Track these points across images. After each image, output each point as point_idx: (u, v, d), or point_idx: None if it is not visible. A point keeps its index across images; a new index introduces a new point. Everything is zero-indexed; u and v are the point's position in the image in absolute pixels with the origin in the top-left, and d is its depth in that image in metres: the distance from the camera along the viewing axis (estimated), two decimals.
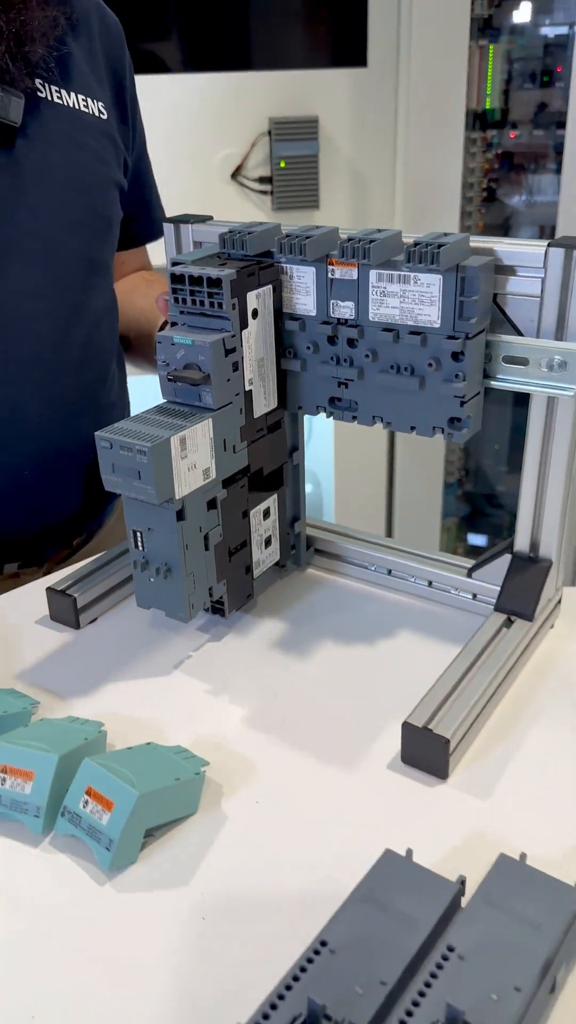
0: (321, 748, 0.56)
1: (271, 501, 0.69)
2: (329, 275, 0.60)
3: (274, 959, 0.41)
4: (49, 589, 0.69)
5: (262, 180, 2.00)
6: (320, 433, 2.04)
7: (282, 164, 1.96)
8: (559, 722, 0.57)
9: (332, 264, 0.59)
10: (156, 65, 1.90)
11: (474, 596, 0.69)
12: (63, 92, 0.76)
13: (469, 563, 0.70)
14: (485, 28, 1.80)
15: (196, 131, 1.93)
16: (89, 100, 0.79)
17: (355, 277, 0.59)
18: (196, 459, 0.59)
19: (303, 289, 0.62)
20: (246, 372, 0.61)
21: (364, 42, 1.95)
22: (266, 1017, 0.36)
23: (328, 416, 0.65)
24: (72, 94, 0.77)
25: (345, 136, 2.02)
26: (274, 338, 0.63)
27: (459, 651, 0.59)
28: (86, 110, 0.78)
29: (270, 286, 0.61)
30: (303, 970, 0.38)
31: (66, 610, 0.69)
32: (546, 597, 0.64)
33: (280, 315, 0.63)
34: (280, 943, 0.43)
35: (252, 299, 0.60)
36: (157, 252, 2.10)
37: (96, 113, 0.80)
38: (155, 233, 0.99)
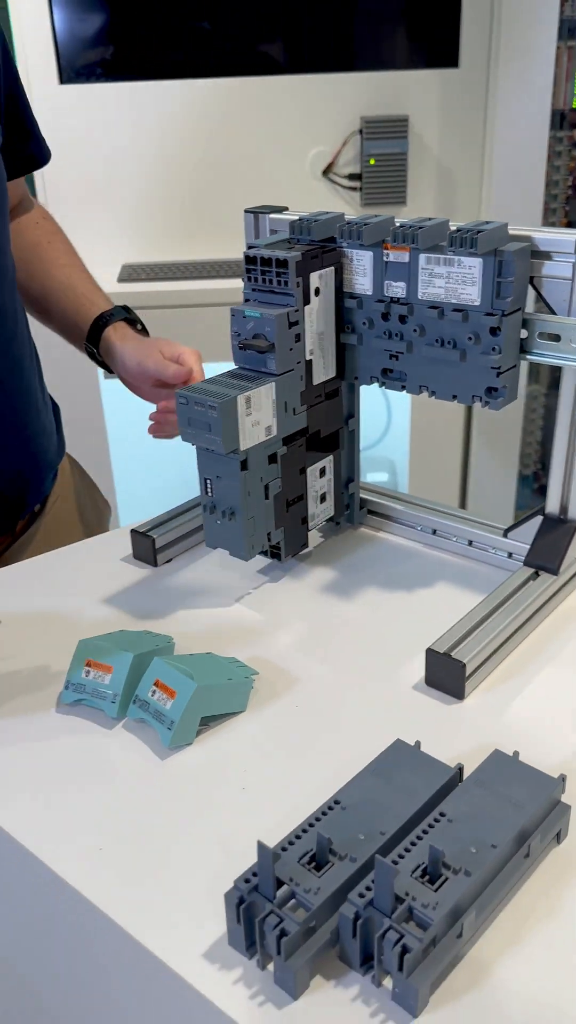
0: (355, 669, 0.64)
1: (327, 461, 0.77)
2: (384, 258, 0.68)
3: (293, 824, 0.50)
4: (133, 531, 0.80)
5: (351, 177, 2.08)
6: (397, 429, 2.11)
7: (371, 161, 2.04)
8: (573, 664, 0.63)
9: (387, 248, 0.67)
10: (254, 67, 2.00)
11: (509, 555, 0.75)
12: None
13: (507, 526, 0.76)
14: (574, 29, 1.83)
15: (290, 130, 2.03)
16: None
17: (407, 260, 0.67)
18: (259, 417, 0.68)
19: (361, 271, 0.70)
20: (307, 343, 0.70)
21: (456, 43, 2.01)
22: (284, 849, 0.45)
23: (381, 386, 0.73)
24: None
25: (434, 135, 2.08)
26: (334, 315, 0.72)
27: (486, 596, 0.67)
28: None
29: (332, 268, 0.70)
30: (317, 819, 0.46)
31: (146, 549, 0.79)
32: (572, 555, 0.70)
33: (340, 294, 0.71)
34: (304, 811, 0.51)
35: (315, 279, 0.69)
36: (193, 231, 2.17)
37: None
38: (42, 159, 0.96)
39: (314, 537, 0.82)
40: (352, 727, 0.58)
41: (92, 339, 0.92)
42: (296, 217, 0.70)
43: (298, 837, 0.45)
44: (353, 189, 2.09)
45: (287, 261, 0.66)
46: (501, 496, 2.13)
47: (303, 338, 0.69)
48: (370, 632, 0.69)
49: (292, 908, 0.42)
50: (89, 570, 0.79)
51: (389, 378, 0.72)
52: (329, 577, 0.77)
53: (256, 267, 0.68)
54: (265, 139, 2.03)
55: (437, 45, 2.02)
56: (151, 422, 0.90)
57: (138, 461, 2.06)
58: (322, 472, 0.77)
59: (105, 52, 1.96)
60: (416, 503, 0.82)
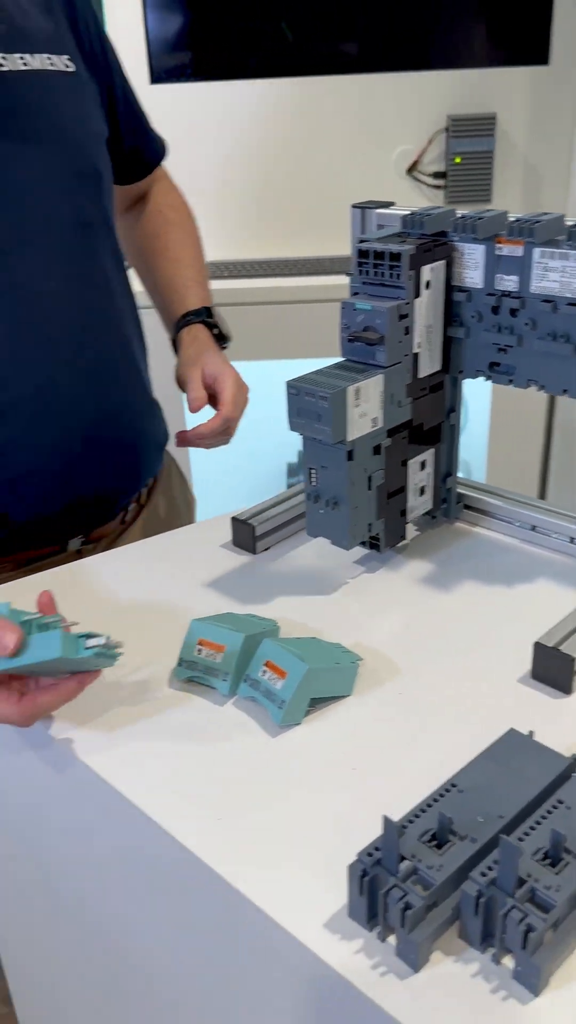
0: (458, 660, 0.65)
1: (428, 455, 0.78)
2: (496, 252, 0.68)
3: (413, 799, 0.51)
4: (234, 519, 0.82)
5: (436, 175, 2.07)
6: (474, 423, 2.09)
7: (457, 160, 2.03)
8: None
9: (500, 243, 0.68)
10: (340, 66, 2.01)
11: None
12: (26, 57, 0.74)
13: None
14: None
15: (375, 128, 2.04)
16: (53, 57, 0.77)
17: (520, 254, 0.67)
18: (367, 409, 0.69)
19: (472, 264, 0.70)
20: (415, 336, 0.71)
21: (547, 40, 1.98)
22: (404, 828, 0.46)
23: (487, 379, 0.73)
24: (35, 56, 0.75)
25: (521, 133, 2.05)
26: (443, 308, 0.72)
27: None
28: (53, 68, 0.77)
29: (443, 261, 0.70)
30: (435, 800, 0.47)
31: (246, 537, 0.81)
32: None
33: (450, 287, 0.72)
34: (414, 793, 0.52)
35: (426, 272, 0.69)
36: (272, 213, 2.15)
37: (63, 68, 0.78)
38: (159, 157, 0.99)
39: (410, 530, 0.83)
40: (458, 716, 0.59)
41: (175, 337, 0.95)
42: (408, 212, 0.71)
43: (417, 816, 0.46)
44: (437, 187, 2.08)
45: (400, 254, 0.67)
46: None
47: (412, 331, 0.70)
48: (471, 624, 0.69)
49: (414, 883, 0.43)
50: (190, 556, 0.81)
51: (496, 372, 0.72)
52: (426, 569, 0.77)
53: (368, 260, 0.69)
54: (350, 138, 2.04)
55: (527, 42, 1.99)
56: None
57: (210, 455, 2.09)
58: (423, 465, 0.77)
59: (191, 53, 2.00)
60: (514, 498, 0.82)
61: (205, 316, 0.95)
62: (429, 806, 0.47)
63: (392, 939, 0.43)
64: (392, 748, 0.56)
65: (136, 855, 0.56)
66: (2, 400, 0.77)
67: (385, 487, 0.74)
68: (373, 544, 0.77)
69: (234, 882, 0.47)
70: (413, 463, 0.76)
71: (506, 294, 0.69)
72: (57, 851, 0.67)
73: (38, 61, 0.76)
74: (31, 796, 0.66)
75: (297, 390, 0.67)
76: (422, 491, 0.79)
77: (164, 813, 0.52)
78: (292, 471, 2.35)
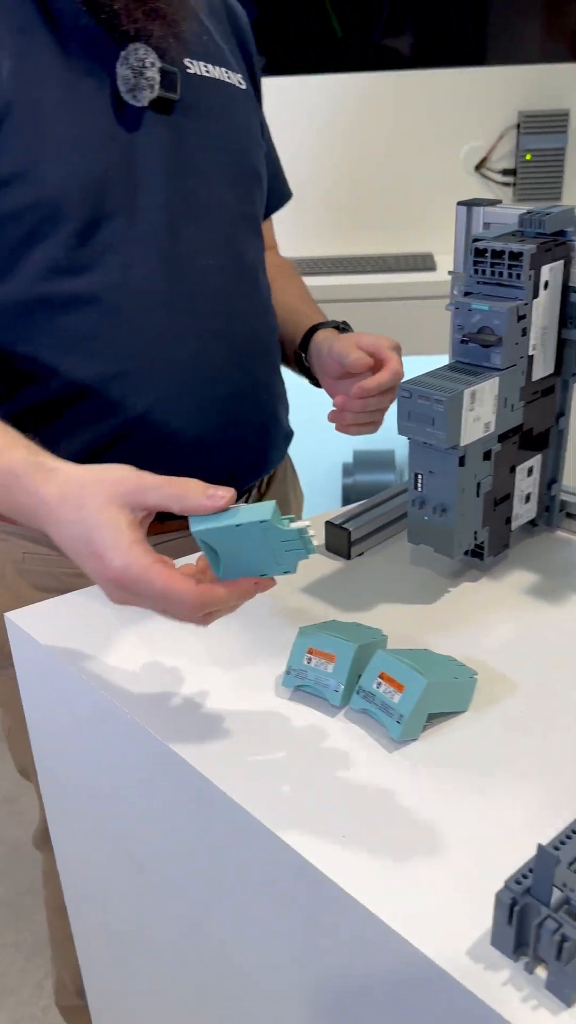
0: (574, 676, 0.62)
1: (535, 460, 0.75)
2: None
3: (545, 821, 0.49)
4: (328, 523, 0.80)
5: (505, 172, 2.03)
6: None
7: (528, 157, 1.99)
8: None
9: None
10: (409, 61, 1.99)
11: None
12: (209, 66, 0.83)
13: None
14: None
15: (444, 124, 2.00)
16: (230, 72, 0.86)
17: None
18: (481, 413, 0.66)
19: None
20: (531, 338, 0.68)
21: None
22: (562, 843, 0.43)
23: None
24: (216, 67, 0.84)
25: None
26: (559, 309, 0.70)
27: None
28: (230, 81, 0.85)
29: (561, 262, 0.68)
30: None
31: (341, 542, 0.79)
32: None
33: (567, 288, 0.69)
34: (548, 816, 0.50)
35: (545, 272, 0.67)
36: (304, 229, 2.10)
37: (237, 83, 0.87)
38: (282, 200, 1.03)
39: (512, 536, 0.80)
40: None
41: (303, 346, 0.94)
42: (526, 210, 0.69)
43: (563, 843, 0.44)
44: (507, 185, 2.04)
45: (522, 253, 0.65)
46: None
47: (528, 332, 0.68)
48: None
49: (566, 914, 0.41)
50: None
51: None
52: (530, 580, 0.75)
53: (485, 259, 0.67)
54: (418, 134, 2.01)
55: None
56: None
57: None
58: (530, 471, 0.75)
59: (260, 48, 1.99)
60: None
61: (341, 324, 0.94)
62: (575, 832, 0.45)
63: (540, 971, 0.41)
64: (519, 767, 0.54)
65: (257, 871, 0.54)
66: (158, 360, 0.79)
67: (492, 494, 0.71)
68: (475, 553, 0.75)
69: (367, 903, 0.46)
70: (521, 469, 0.74)
71: None
72: (169, 863, 0.66)
73: (219, 72, 0.84)
74: (143, 803, 0.65)
75: (409, 393, 0.65)
76: (527, 498, 0.76)
77: (289, 830, 0.50)
78: (347, 471, 2.33)
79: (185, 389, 0.81)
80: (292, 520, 0.53)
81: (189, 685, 0.63)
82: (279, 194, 1.03)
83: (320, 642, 0.61)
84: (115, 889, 0.75)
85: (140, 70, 0.75)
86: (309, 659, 0.61)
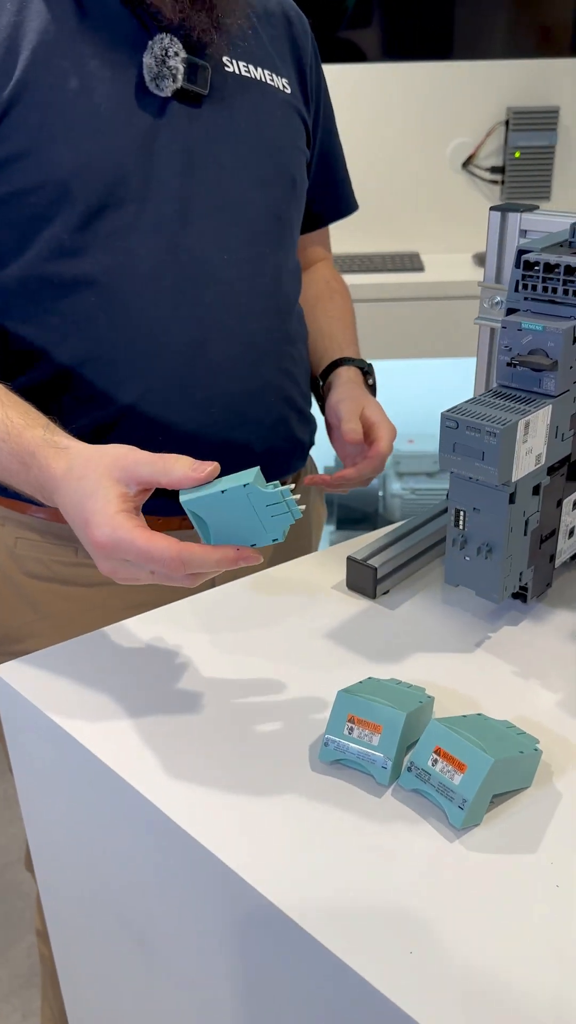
0: None
1: None
2: None
3: None
4: (350, 559, 0.73)
5: (493, 170, 1.97)
6: None
7: (516, 154, 1.93)
8: None
9: None
10: (394, 53, 1.91)
11: None
12: (250, 67, 0.82)
13: None
14: None
15: (431, 119, 1.93)
16: (274, 76, 0.85)
17: None
18: (533, 444, 0.60)
19: None
20: None
21: None
22: None
23: None
24: (258, 68, 0.83)
25: None
26: None
27: None
28: (271, 83, 0.84)
29: None
30: None
31: (366, 580, 0.72)
32: None
33: None
34: None
35: None
36: (365, 234, 2.05)
37: (280, 87, 0.85)
38: (341, 211, 1.02)
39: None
40: None
41: (324, 374, 0.93)
42: (574, 217, 0.62)
43: None
44: (494, 182, 1.99)
45: None
46: None
47: None
48: None
49: None
50: (304, 598, 0.72)
51: None
52: (574, 621, 0.68)
53: (536, 273, 0.60)
54: (403, 129, 1.94)
55: None
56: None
57: None
58: (575, 504, 0.69)
59: None
60: None
61: (365, 366, 0.93)
62: None
63: None
64: None
65: (302, 981, 0.47)
66: (155, 347, 0.78)
67: (539, 531, 0.65)
68: (519, 594, 0.68)
69: None
70: (567, 502, 0.67)
71: None
72: (183, 955, 0.58)
73: (259, 73, 0.83)
74: (148, 881, 0.57)
75: (456, 423, 0.58)
76: (571, 533, 0.70)
77: (343, 943, 0.43)
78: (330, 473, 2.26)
79: (183, 381, 0.80)
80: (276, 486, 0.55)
81: (206, 755, 0.55)
82: (341, 203, 1.01)
83: (364, 709, 0.54)
84: (112, 969, 0.67)
85: (163, 59, 0.74)
86: (351, 728, 0.54)
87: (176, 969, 0.58)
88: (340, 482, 0.85)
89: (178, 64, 0.74)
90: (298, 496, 0.55)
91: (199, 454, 0.82)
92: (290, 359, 0.88)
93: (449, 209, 2.00)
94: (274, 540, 0.55)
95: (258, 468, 0.56)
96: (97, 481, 0.57)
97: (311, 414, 0.95)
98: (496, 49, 1.94)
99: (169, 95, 0.75)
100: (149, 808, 0.52)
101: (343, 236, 2.00)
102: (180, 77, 0.74)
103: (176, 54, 0.74)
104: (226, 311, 0.80)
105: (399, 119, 1.94)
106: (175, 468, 0.56)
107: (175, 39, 0.74)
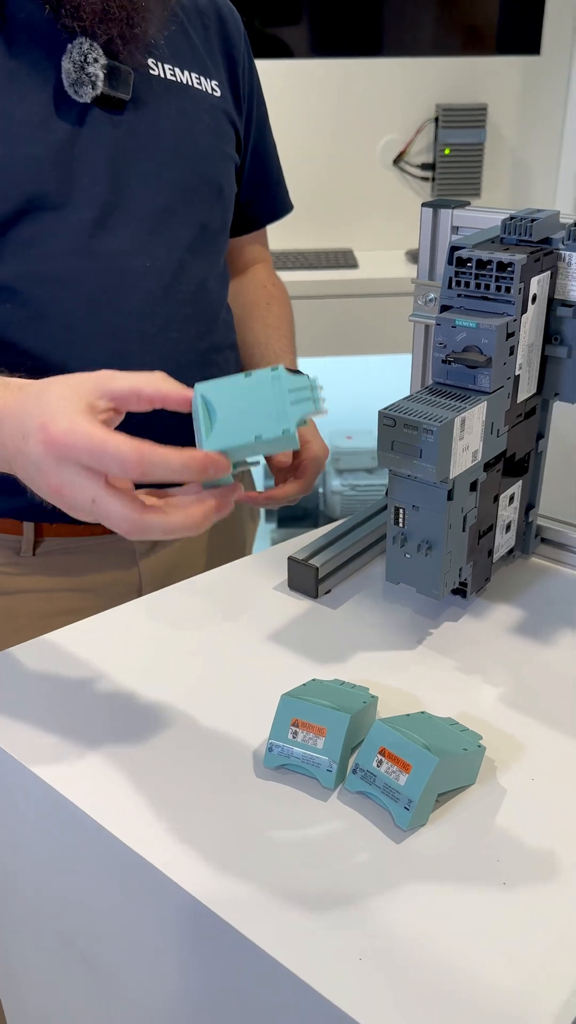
0: None
1: (517, 487, 0.69)
2: None
3: None
4: (291, 559, 0.72)
5: (424, 167, 1.99)
6: None
7: (446, 151, 1.95)
8: None
9: None
10: (325, 49, 1.91)
11: None
12: (176, 70, 0.80)
13: None
14: None
15: (360, 117, 1.94)
16: (202, 79, 0.82)
17: None
18: (469, 441, 0.60)
19: None
20: (518, 357, 0.62)
21: (539, 30, 1.92)
22: None
23: None
24: (185, 72, 0.81)
25: (512, 124, 1.99)
26: (544, 325, 0.64)
27: None
28: (199, 87, 0.82)
29: (548, 272, 0.62)
30: None
31: (307, 579, 0.71)
32: None
33: (551, 301, 0.63)
34: None
35: (534, 284, 0.61)
36: (309, 232, 2.05)
37: (209, 90, 0.83)
38: (276, 213, 1.00)
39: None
40: None
41: None
42: (509, 215, 0.62)
43: None
44: (425, 179, 2.00)
45: (512, 264, 0.58)
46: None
47: (516, 351, 0.61)
48: None
49: None
50: (245, 601, 0.71)
51: None
52: (515, 616, 0.69)
53: (469, 270, 0.60)
54: (334, 125, 1.94)
55: (518, 31, 1.93)
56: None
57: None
58: (511, 499, 0.69)
59: None
60: None
61: None
62: None
63: None
64: (542, 852, 0.48)
65: (249, 996, 0.46)
66: (75, 357, 0.76)
67: (477, 527, 0.65)
68: (458, 589, 0.68)
69: None
70: (503, 497, 0.68)
71: None
72: (130, 973, 0.56)
73: (186, 76, 0.80)
74: (95, 903, 0.56)
75: (393, 421, 0.58)
76: (508, 527, 0.70)
77: (290, 952, 0.42)
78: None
79: None
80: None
81: (146, 764, 0.54)
82: (276, 205, 0.99)
83: (307, 713, 0.53)
84: (55, 987, 0.65)
85: (82, 65, 0.72)
86: (295, 732, 0.53)
87: (122, 985, 0.56)
88: (268, 503, 0.82)
89: (97, 71, 0.72)
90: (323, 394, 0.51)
91: None
92: (216, 368, 0.86)
93: (381, 206, 2.01)
94: (284, 432, 0.50)
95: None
96: (61, 393, 0.51)
97: None
98: (425, 47, 1.96)
99: (89, 101, 0.73)
100: (85, 820, 0.50)
101: (277, 233, 1.99)
102: (100, 84, 0.72)
103: (96, 60, 0.72)
104: (147, 321, 0.79)
105: (329, 116, 1.94)
106: (155, 376, 0.51)
107: (95, 44, 0.72)
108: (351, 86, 1.92)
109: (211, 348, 0.85)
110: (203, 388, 0.52)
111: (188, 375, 0.82)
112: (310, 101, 1.92)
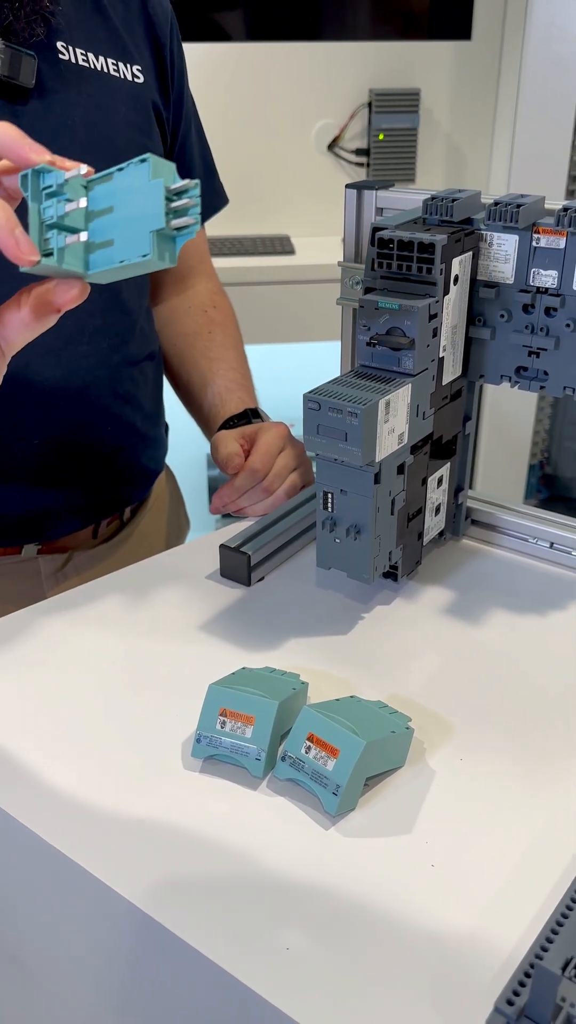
0: (516, 708, 0.57)
1: (445, 469, 0.69)
2: (533, 243, 0.60)
3: (514, 913, 0.43)
4: (223, 546, 0.71)
5: (359, 152, 1.99)
6: None
7: (380, 136, 1.95)
8: None
9: (539, 232, 0.59)
10: (256, 32, 1.89)
11: None
12: (89, 55, 0.74)
13: None
14: None
15: (294, 101, 1.93)
16: (121, 64, 0.77)
17: (562, 246, 0.59)
18: (395, 424, 0.59)
19: (502, 256, 0.62)
20: (441, 339, 0.62)
21: (470, 15, 1.92)
22: (539, 957, 0.37)
23: (512, 385, 0.65)
24: (100, 57, 0.75)
25: (445, 109, 2.00)
26: (467, 306, 0.64)
27: None
28: (116, 74, 0.76)
29: (470, 253, 0.62)
30: (564, 916, 0.39)
31: (239, 567, 0.70)
32: None
33: (474, 283, 0.63)
34: (516, 892, 0.44)
35: (456, 265, 0.60)
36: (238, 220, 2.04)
37: (129, 77, 0.77)
38: (210, 208, 0.94)
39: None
40: (538, 783, 0.51)
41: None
42: (430, 195, 0.62)
43: (549, 941, 0.38)
44: (360, 165, 2.00)
45: (433, 245, 0.58)
46: (511, 485, 2.08)
47: (439, 333, 0.61)
48: (516, 662, 0.62)
49: None
50: (175, 591, 0.70)
51: (524, 377, 0.64)
52: (446, 597, 0.69)
53: (391, 251, 0.59)
54: (267, 110, 1.92)
55: (448, 16, 1.93)
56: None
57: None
58: (439, 481, 0.69)
59: None
60: (528, 513, 0.75)
61: (251, 418, 0.85)
62: (559, 925, 0.39)
63: None
64: (471, 834, 0.48)
65: (182, 989, 0.45)
66: None
67: (405, 510, 0.65)
68: (389, 573, 0.68)
69: None
70: (431, 480, 0.68)
71: (543, 291, 0.61)
72: (59, 970, 0.55)
73: (102, 62, 0.75)
74: (30, 906, 0.54)
75: (318, 404, 0.57)
76: (438, 510, 0.70)
77: (215, 942, 0.42)
78: (210, 462, 2.24)
79: (14, 409, 0.73)
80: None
81: (69, 760, 0.52)
82: (208, 201, 0.91)
83: (235, 701, 0.52)
84: None
85: None
86: (223, 723, 0.52)
87: (50, 985, 0.55)
88: (230, 501, 0.79)
89: None
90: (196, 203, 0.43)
91: (20, 493, 0.75)
92: (131, 381, 0.82)
93: (317, 192, 2.00)
94: (145, 256, 0.43)
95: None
96: None
97: (159, 435, 0.89)
98: (359, 32, 1.95)
99: None
100: (8, 821, 0.49)
101: (213, 219, 1.98)
102: None
103: None
104: (51, 332, 0.75)
105: (263, 101, 1.92)
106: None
107: None
108: (286, 70, 1.90)
109: (125, 361, 0.81)
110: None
111: (99, 390, 0.78)
112: (245, 85, 1.90)
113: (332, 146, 1.98)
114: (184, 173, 0.87)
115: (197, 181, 0.43)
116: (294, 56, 1.90)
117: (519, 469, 2.08)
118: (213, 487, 2.18)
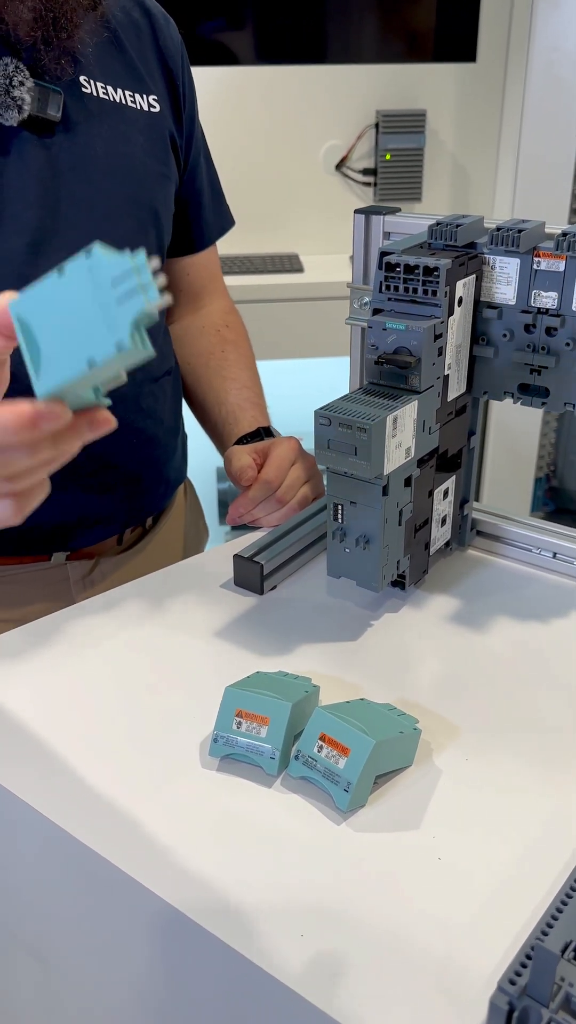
0: (520, 712, 0.59)
1: (451, 482, 0.72)
2: (534, 266, 0.63)
3: (516, 902, 0.45)
4: (236, 556, 0.74)
5: (366, 172, 2.03)
6: None
7: (387, 157, 1.99)
8: None
9: (539, 256, 0.62)
10: (264, 55, 1.94)
11: None
12: (108, 88, 0.78)
13: None
14: None
15: (303, 122, 1.97)
16: (138, 95, 0.80)
17: (562, 269, 0.62)
18: (402, 438, 0.62)
19: (504, 279, 0.65)
20: (446, 357, 0.65)
21: (475, 38, 1.97)
22: (539, 940, 0.40)
23: (515, 402, 0.68)
24: (119, 90, 0.78)
25: (450, 130, 2.04)
26: (471, 326, 0.66)
27: None
28: (133, 105, 0.80)
29: (474, 276, 0.65)
30: (564, 903, 0.42)
31: (252, 576, 0.73)
32: None
33: (477, 304, 0.66)
34: (517, 885, 0.47)
35: (460, 288, 0.63)
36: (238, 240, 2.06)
37: (146, 107, 0.81)
38: (219, 229, 0.97)
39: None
40: (540, 783, 0.54)
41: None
42: (435, 220, 0.65)
43: (550, 925, 0.40)
44: (367, 184, 2.04)
45: (437, 269, 0.61)
46: (518, 498, 2.11)
47: (444, 352, 0.64)
48: (519, 668, 0.64)
49: (568, 1012, 0.37)
50: (193, 598, 0.73)
51: (527, 394, 0.67)
52: (452, 606, 0.72)
53: (397, 274, 0.62)
54: (276, 131, 1.97)
55: (454, 38, 1.97)
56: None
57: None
58: (445, 494, 0.72)
59: None
60: (532, 524, 0.77)
61: (263, 436, 0.88)
62: (559, 911, 0.41)
63: None
64: (476, 828, 0.50)
65: (201, 976, 0.48)
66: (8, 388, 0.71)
67: (413, 521, 0.68)
68: (397, 581, 0.71)
69: (337, 1015, 0.40)
70: (438, 492, 0.70)
71: (544, 311, 0.64)
72: (80, 964, 0.57)
73: (120, 95, 0.78)
74: (48, 900, 0.57)
75: (329, 420, 0.60)
76: (444, 521, 0.73)
77: (233, 928, 0.44)
78: (221, 475, 2.27)
79: None
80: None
81: (94, 758, 0.55)
82: (217, 223, 0.96)
83: (250, 703, 0.55)
84: (10, 989, 0.66)
85: (7, 88, 0.69)
86: (239, 723, 0.55)
87: (76, 980, 0.58)
88: (246, 513, 0.81)
89: (23, 94, 0.69)
90: (160, 277, 0.38)
91: (52, 504, 0.76)
92: (152, 397, 0.84)
93: (325, 211, 2.04)
94: (118, 346, 0.38)
95: (97, 243, 0.40)
96: None
97: (179, 447, 0.92)
98: (366, 54, 2.00)
99: (15, 124, 0.70)
100: (35, 817, 0.51)
101: (223, 238, 2.02)
102: (26, 107, 0.70)
103: (22, 83, 0.69)
104: None
105: (273, 122, 1.96)
106: None
107: (21, 66, 0.70)
108: (294, 92, 1.95)
109: (148, 377, 0.84)
110: (17, 306, 0.40)
111: (125, 406, 0.80)
112: (254, 107, 1.94)
113: (340, 166, 2.02)
114: (193, 198, 0.91)
115: (138, 255, 0.39)
116: (303, 78, 1.94)
117: (526, 482, 2.10)
118: (223, 500, 2.21)
